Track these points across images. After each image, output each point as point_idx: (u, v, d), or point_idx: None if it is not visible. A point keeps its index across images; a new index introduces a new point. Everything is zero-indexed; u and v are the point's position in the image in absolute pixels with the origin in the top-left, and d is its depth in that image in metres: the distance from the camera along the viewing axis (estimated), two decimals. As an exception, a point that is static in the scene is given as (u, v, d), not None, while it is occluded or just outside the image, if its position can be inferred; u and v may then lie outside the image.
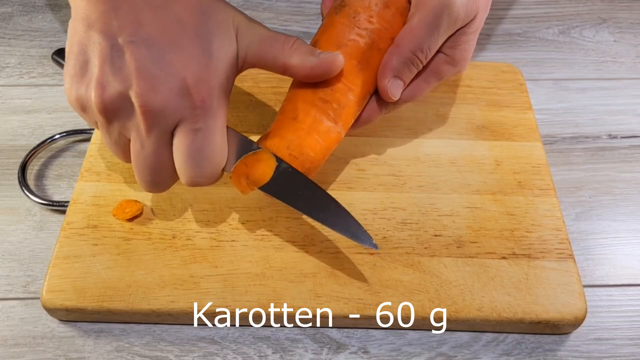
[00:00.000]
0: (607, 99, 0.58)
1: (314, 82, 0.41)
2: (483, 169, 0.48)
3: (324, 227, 0.44)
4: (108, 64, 0.36)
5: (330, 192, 0.46)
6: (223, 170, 0.40)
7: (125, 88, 0.36)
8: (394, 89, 0.42)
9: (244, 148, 0.40)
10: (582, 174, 0.52)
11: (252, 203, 0.46)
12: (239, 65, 0.40)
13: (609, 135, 0.55)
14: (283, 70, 0.40)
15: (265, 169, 0.40)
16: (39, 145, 0.51)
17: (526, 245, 0.44)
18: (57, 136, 0.52)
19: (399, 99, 0.43)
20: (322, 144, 0.41)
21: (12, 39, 0.62)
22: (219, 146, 0.39)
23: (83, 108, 0.38)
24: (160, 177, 0.40)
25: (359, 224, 0.39)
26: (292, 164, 0.40)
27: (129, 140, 0.39)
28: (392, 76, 0.41)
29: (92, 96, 0.36)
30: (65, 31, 0.62)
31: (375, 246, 0.39)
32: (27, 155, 0.50)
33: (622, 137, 0.54)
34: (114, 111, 0.37)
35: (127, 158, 0.40)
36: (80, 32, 0.37)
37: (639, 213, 0.49)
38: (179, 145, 0.38)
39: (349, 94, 0.41)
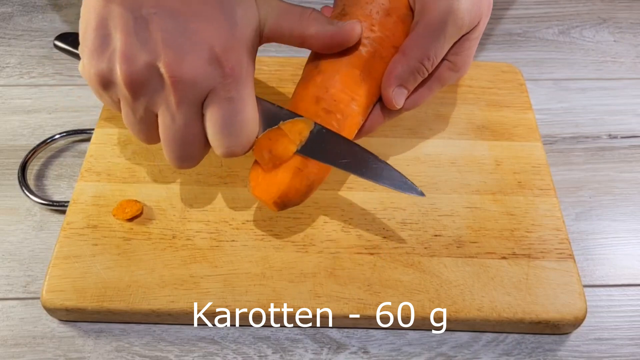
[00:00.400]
0: (607, 99, 0.58)
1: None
2: (483, 169, 0.48)
3: (324, 225, 0.44)
4: (132, 36, 0.35)
5: (330, 192, 0.46)
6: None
7: (152, 59, 0.35)
8: (398, 97, 0.41)
9: (274, 115, 0.40)
10: (582, 174, 0.52)
11: (252, 203, 0.46)
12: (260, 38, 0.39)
13: (609, 135, 0.55)
14: (300, 41, 0.40)
15: (300, 133, 0.40)
16: (39, 145, 0.51)
17: (526, 245, 0.44)
18: (57, 136, 0.52)
19: (402, 107, 0.43)
20: None
21: (12, 39, 0.62)
22: (252, 114, 0.38)
23: (104, 84, 0.37)
24: (192, 150, 0.39)
25: (401, 175, 0.40)
26: (295, 178, 0.40)
27: (156, 116, 0.38)
28: (397, 85, 0.41)
29: (118, 70, 0.35)
30: (65, 31, 0.62)
31: (422, 193, 0.40)
32: (27, 155, 0.50)
33: (622, 137, 0.54)
34: (141, 84, 0.36)
35: (150, 137, 0.39)
36: (98, 7, 0.36)
37: (639, 213, 0.49)
38: (212, 115, 0.37)
39: (352, 104, 0.41)
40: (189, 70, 0.35)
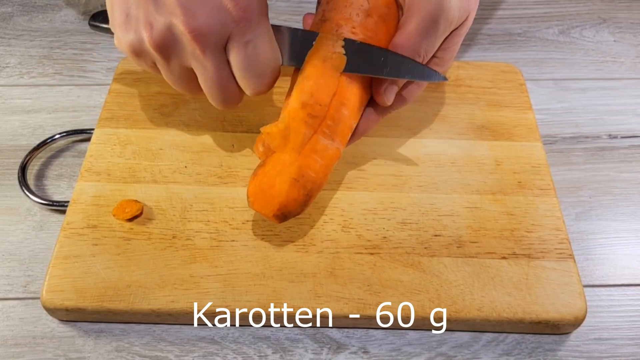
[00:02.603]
0: (607, 99, 0.58)
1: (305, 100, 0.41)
2: (483, 169, 0.48)
3: (324, 225, 0.44)
4: (150, 4, 0.38)
5: (330, 192, 0.46)
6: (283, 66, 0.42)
7: (170, 20, 0.38)
8: (389, 94, 0.42)
9: (294, 38, 0.42)
10: (582, 174, 0.52)
11: (252, 203, 0.46)
12: None
13: (609, 135, 0.55)
14: None
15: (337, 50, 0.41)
16: (39, 145, 0.51)
17: (526, 245, 0.44)
18: (57, 136, 0.52)
19: (392, 104, 0.43)
20: (321, 162, 0.41)
21: (12, 39, 0.62)
22: (272, 51, 0.41)
23: (137, 53, 0.40)
24: (229, 92, 0.42)
25: (423, 67, 0.41)
26: (293, 188, 0.40)
27: (191, 69, 0.41)
28: (389, 82, 0.41)
29: (144, 37, 0.39)
30: (65, 31, 0.62)
31: (445, 78, 0.41)
32: (27, 155, 0.50)
33: (622, 137, 0.54)
34: (167, 45, 0.39)
35: (192, 89, 0.43)
36: None
37: (639, 213, 0.49)
38: (235, 61, 0.40)
39: (342, 109, 0.41)
40: (203, 22, 0.38)
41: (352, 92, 0.41)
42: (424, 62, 0.42)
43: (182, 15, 0.38)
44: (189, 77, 0.42)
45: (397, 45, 0.41)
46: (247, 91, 0.42)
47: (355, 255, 0.43)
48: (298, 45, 0.42)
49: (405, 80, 0.42)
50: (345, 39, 0.41)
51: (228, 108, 0.43)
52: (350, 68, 0.41)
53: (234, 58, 0.40)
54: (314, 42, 0.42)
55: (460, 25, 0.42)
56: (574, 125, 0.55)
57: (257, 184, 0.41)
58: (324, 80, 0.41)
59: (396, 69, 0.40)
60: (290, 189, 0.40)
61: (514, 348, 0.42)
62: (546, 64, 0.61)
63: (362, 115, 0.43)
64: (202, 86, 0.42)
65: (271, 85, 0.42)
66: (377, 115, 0.44)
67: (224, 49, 0.40)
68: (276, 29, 0.42)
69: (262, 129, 0.41)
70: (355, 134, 0.43)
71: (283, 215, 0.41)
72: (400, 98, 0.44)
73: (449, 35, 0.42)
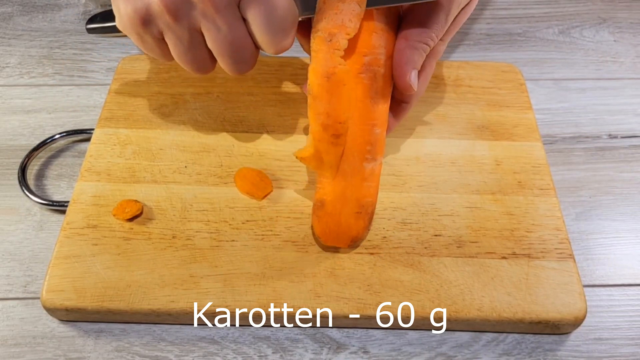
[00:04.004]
0: (607, 99, 0.58)
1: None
2: (483, 169, 0.48)
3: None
4: None
5: (330, 192, 0.46)
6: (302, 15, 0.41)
7: None
8: (414, 80, 0.41)
9: None
10: (582, 174, 0.52)
11: (252, 203, 0.46)
12: None
13: (609, 135, 0.55)
14: None
15: None
16: (39, 145, 0.51)
17: (526, 245, 0.44)
18: (57, 136, 0.52)
19: (418, 92, 0.43)
20: (373, 185, 0.42)
21: (12, 39, 0.62)
22: (287, 5, 0.39)
23: (145, 21, 0.39)
24: (244, 54, 0.40)
25: None
26: (359, 218, 0.42)
27: (202, 35, 0.40)
28: (411, 69, 0.41)
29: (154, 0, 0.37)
30: (65, 31, 0.62)
31: None
32: (27, 155, 0.50)
33: (622, 137, 0.54)
34: (179, 4, 0.37)
35: (201, 62, 0.41)
36: None
37: (639, 213, 0.49)
38: (253, 18, 0.38)
39: (374, 130, 0.41)
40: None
41: (380, 112, 0.41)
42: (435, 43, 0.42)
43: None
44: (200, 45, 0.40)
45: (409, 34, 0.41)
46: (271, 49, 0.40)
47: (355, 255, 0.43)
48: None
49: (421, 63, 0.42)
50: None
51: (240, 73, 0.42)
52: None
53: (252, 15, 0.38)
54: None
55: (468, 3, 0.42)
56: (574, 125, 0.55)
57: (324, 226, 0.42)
58: (336, 99, 0.40)
59: None
60: (356, 222, 0.42)
61: (514, 348, 0.42)
62: (546, 64, 0.61)
63: None
64: (214, 50, 0.40)
65: (292, 41, 0.41)
66: (396, 119, 0.45)
67: (238, 7, 0.38)
68: None
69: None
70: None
71: (355, 244, 0.43)
72: (420, 84, 0.43)
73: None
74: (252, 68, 0.42)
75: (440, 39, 0.43)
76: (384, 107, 0.42)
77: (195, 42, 0.40)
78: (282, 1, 0.39)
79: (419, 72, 0.43)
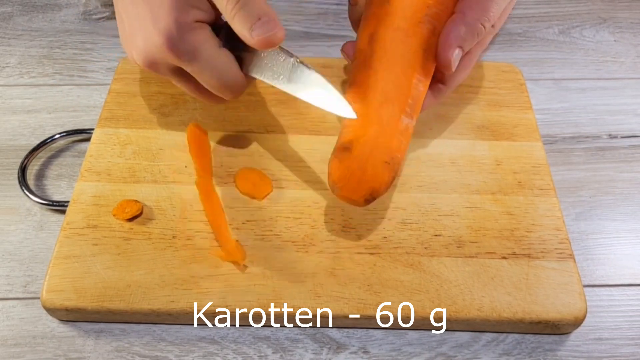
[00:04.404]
0: (607, 99, 0.58)
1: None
2: (483, 169, 0.48)
3: (324, 225, 0.44)
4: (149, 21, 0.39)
5: (330, 192, 0.46)
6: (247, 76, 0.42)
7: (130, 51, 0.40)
8: (456, 59, 0.41)
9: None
10: (582, 174, 0.52)
11: (252, 203, 0.46)
12: None
13: (609, 135, 0.55)
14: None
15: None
16: (39, 145, 0.51)
17: (526, 245, 0.44)
18: (57, 136, 0.52)
19: (457, 76, 0.43)
20: (405, 142, 0.41)
21: (12, 39, 0.62)
22: (224, 72, 0.40)
23: (152, 62, 0.41)
24: (230, 74, 0.41)
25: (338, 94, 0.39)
26: (386, 169, 0.40)
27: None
28: (457, 45, 0.40)
29: (161, 42, 0.39)
30: (65, 31, 0.62)
31: (353, 114, 0.38)
32: (27, 155, 0.50)
33: (622, 137, 0.54)
34: (155, 62, 0.40)
35: (200, 88, 0.42)
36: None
37: (639, 213, 0.49)
38: (228, 18, 0.38)
39: (420, 86, 0.40)
40: (147, 58, 0.40)
41: (427, 70, 0.41)
42: (489, 26, 0.41)
43: (132, 48, 0.40)
44: (190, 80, 0.42)
45: (465, 8, 0.40)
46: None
47: (355, 255, 0.43)
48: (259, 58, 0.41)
49: (471, 47, 0.41)
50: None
51: (233, 97, 0.43)
52: None
53: (226, 14, 0.38)
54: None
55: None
56: (574, 125, 0.55)
57: (345, 171, 0.39)
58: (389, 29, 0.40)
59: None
60: (382, 172, 0.39)
61: (514, 348, 0.42)
62: (546, 64, 0.61)
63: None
64: (205, 82, 0.41)
65: (238, 93, 0.42)
66: (435, 96, 0.44)
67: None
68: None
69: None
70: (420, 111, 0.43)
71: (372, 198, 0.40)
72: (461, 67, 0.43)
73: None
74: (245, 89, 0.43)
75: (490, 31, 0.42)
76: (431, 68, 0.41)
77: (192, 80, 0.42)
78: (219, 74, 0.40)
79: (464, 56, 0.42)
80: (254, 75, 0.41)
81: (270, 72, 0.40)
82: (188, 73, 0.41)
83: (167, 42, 0.38)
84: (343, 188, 0.40)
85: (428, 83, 0.42)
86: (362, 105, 0.40)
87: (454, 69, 0.41)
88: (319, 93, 0.39)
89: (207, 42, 0.39)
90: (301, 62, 0.39)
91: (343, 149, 0.40)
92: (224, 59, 0.40)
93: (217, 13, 0.40)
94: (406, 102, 0.40)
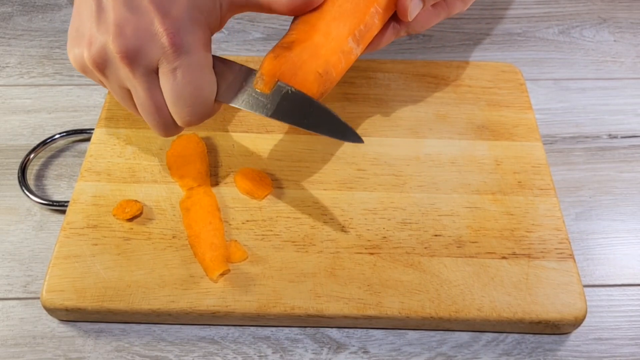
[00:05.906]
0: (607, 99, 0.58)
1: (300, 14, 0.40)
2: (483, 169, 0.48)
3: (324, 226, 0.44)
4: (94, 21, 0.38)
5: (330, 192, 0.46)
6: (217, 102, 0.40)
7: (106, 40, 0.37)
8: (414, 9, 0.41)
9: (235, 73, 0.40)
10: (582, 174, 0.52)
11: (252, 203, 0.46)
12: (219, 5, 0.40)
13: (609, 135, 0.55)
14: (259, 7, 0.40)
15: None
16: (39, 145, 0.51)
17: (526, 245, 0.44)
18: (57, 136, 0.52)
19: (410, 26, 0.42)
20: (344, 65, 0.40)
21: (12, 39, 0.62)
22: (204, 80, 0.38)
23: (82, 68, 0.40)
24: (162, 118, 0.40)
25: (345, 127, 0.38)
26: (316, 80, 0.39)
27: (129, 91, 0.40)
28: None
29: (85, 54, 0.38)
30: (65, 31, 0.62)
31: (361, 140, 0.38)
32: (27, 155, 0.50)
33: (622, 137, 0.54)
34: (103, 64, 0.38)
35: (134, 108, 0.41)
36: None
37: (639, 213, 0.49)
38: (164, 87, 0.38)
39: (375, 17, 0.40)
40: (131, 44, 0.37)
41: (387, 3, 0.40)
42: None
43: (113, 34, 0.37)
44: (130, 97, 0.40)
45: None
46: (178, 121, 0.40)
47: (355, 255, 0.43)
48: (237, 83, 0.40)
49: (432, 2, 0.41)
50: (278, 83, 0.38)
51: (165, 135, 0.42)
52: (275, 115, 0.39)
53: (163, 84, 0.38)
54: (251, 81, 0.40)
55: None
56: (574, 125, 0.55)
57: (276, 67, 0.38)
58: None
59: (316, 123, 0.38)
60: (313, 81, 0.39)
61: (514, 348, 0.42)
62: (546, 64, 0.61)
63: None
64: (138, 108, 0.40)
65: (205, 116, 0.40)
66: (394, 33, 0.43)
67: (156, 73, 0.38)
68: (222, 61, 0.40)
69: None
70: (369, 45, 0.42)
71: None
72: (418, 20, 0.43)
73: None
74: (178, 133, 0.42)
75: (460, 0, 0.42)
76: (392, 6, 0.41)
77: (126, 96, 0.40)
78: (196, 77, 0.38)
79: (425, 11, 0.42)
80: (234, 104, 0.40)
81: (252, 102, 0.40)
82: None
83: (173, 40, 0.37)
84: (267, 83, 0.39)
85: (384, 20, 0.42)
86: (316, 13, 0.40)
87: (410, 18, 0.41)
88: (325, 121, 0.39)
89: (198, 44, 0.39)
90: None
91: (283, 47, 0.39)
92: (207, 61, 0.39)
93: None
94: (357, 26, 0.40)
